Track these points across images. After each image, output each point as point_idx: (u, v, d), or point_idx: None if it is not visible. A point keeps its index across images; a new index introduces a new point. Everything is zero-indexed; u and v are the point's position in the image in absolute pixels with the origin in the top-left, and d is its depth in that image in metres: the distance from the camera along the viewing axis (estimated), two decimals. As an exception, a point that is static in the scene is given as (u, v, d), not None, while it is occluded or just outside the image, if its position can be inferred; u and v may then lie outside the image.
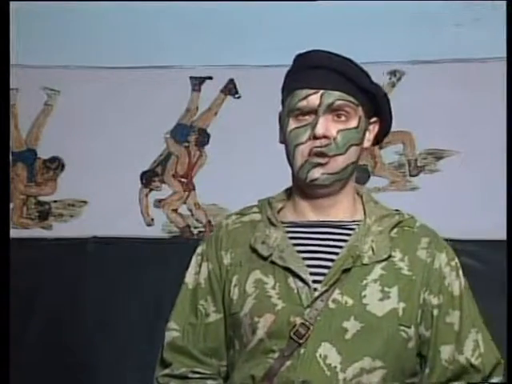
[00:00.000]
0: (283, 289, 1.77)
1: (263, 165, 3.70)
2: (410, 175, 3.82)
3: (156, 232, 3.84)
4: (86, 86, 3.87)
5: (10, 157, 3.84)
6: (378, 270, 1.78)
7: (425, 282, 1.81)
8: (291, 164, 1.85)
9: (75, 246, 3.82)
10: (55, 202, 3.91)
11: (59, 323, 3.76)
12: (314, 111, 1.80)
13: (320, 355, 1.72)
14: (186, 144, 3.87)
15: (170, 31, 3.84)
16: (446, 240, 3.75)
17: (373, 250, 1.80)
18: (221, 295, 1.84)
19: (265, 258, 1.81)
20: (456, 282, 1.87)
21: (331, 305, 1.75)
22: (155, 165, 3.89)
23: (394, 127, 4.03)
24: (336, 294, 1.75)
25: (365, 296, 1.76)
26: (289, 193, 1.91)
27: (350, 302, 1.75)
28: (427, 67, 3.79)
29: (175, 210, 3.86)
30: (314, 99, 1.80)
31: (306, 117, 1.81)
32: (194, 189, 3.88)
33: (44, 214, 3.91)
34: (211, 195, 3.81)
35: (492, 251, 3.58)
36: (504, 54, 2.80)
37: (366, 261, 1.79)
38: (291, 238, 1.82)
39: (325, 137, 1.79)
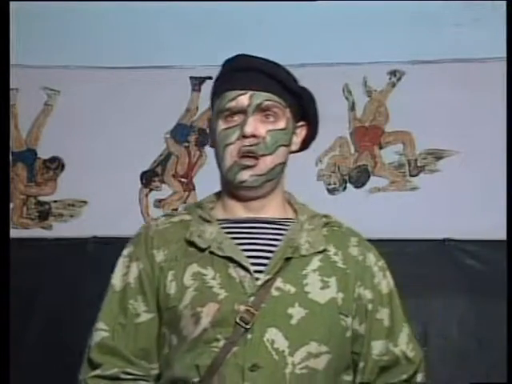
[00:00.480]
0: (224, 279, 1.77)
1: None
2: (410, 175, 3.82)
3: (156, 232, 3.84)
4: (86, 85, 3.87)
5: (10, 157, 3.84)
6: (315, 262, 1.81)
7: (359, 276, 1.85)
8: (220, 166, 1.88)
9: (75, 246, 3.82)
10: (55, 202, 3.91)
11: (59, 323, 3.76)
12: (243, 111, 1.82)
13: (267, 340, 1.73)
14: (186, 144, 3.87)
15: (170, 31, 3.84)
16: (446, 240, 3.77)
17: (309, 243, 1.83)
18: (152, 295, 1.82)
19: (203, 250, 1.80)
20: (383, 282, 1.89)
21: (274, 292, 1.76)
22: (155, 165, 3.89)
23: (394, 127, 4.06)
24: (279, 283, 1.77)
25: (306, 284, 1.78)
26: (217, 196, 1.94)
27: (293, 290, 1.77)
28: (427, 67, 3.79)
29: (175, 210, 3.86)
30: (243, 100, 1.82)
31: (235, 117, 1.83)
32: (193, 189, 3.88)
33: (44, 214, 3.91)
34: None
35: (492, 251, 3.58)
36: (504, 54, 2.80)
37: (304, 252, 1.81)
38: (227, 232, 1.83)
39: (254, 136, 1.81)
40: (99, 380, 1.80)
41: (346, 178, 3.85)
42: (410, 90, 3.80)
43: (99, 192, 3.83)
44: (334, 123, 3.84)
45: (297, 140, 1.93)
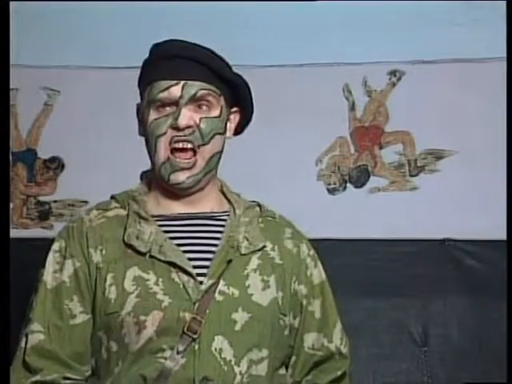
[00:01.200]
0: (167, 284, 1.71)
1: (263, 164, 3.70)
2: (410, 175, 3.82)
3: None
4: (86, 85, 3.87)
5: (10, 157, 3.84)
6: (255, 260, 1.78)
7: (294, 271, 1.82)
8: (151, 157, 1.82)
9: (75, 245, 3.82)
10: (55, 202, 3.91)
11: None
12: (175, 102, 1.77)
13: (215, 349, 1.68)
14: (186, 144, 3.87)
15: (169, 31, 3.82)
16: (446, 240, 3.77)
17: (248, 240, 1.78)
18: (90, 295, 1.74)
19: (143, 254, 1.73)
20: (315, 272, 1.86)
21: (218, 297, 1.71)
22: (155, 165, 3.89)
23: (394, 127, 4.05)
24: (222, 286, 1.72)
25: (249, 286, 1.74)
26: (148, 184, 1.87)
27: (236, 292, 1.73)
28: (427, 67, 3.79)
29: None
30: (176, 90, 1.77)
31: (167, 108, 1.78)
32: (193, 189, 3.88)
33: (44, 214, 3.91)
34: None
35: (492, 251, 3.58)
36: (504, 54, 2.79)
37: (243, 251, 1.77)
38: (165, 231, 1.77)
39: (188, 127, 1.76)
40: None
41: (346, 177, 3.85)
42: (410, 89, 3.80)
43: (99, 192, 3.80)
44: (334, 123, 3.84)
45: (231, 126, 1.88)
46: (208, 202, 1.84)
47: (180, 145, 1.78)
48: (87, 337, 1.75)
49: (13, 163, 3.89)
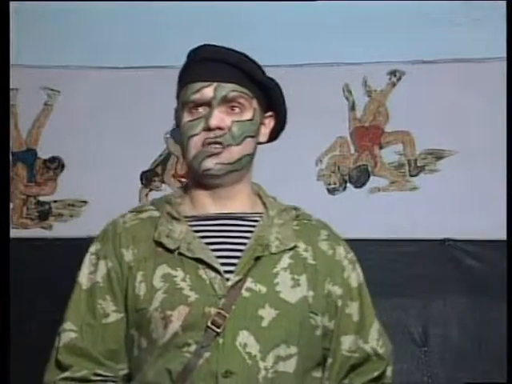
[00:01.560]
0: (194, 280, 1.73)
1: (263, 164, 3.70)
2: (410, 175, 3.82)
3: (156, 232, 3.84)
4: (86, 85, 3.87)
5: (10, 157, 3.84)
6: (286, 259, 1.78)
7: (328, 272, 1.82)
8: (185, 157, 1.84)
9: (75, 246, 3.81)
10: (55, 202, 3.91)
11: (59, 323, 3.76)
12: (207, 103, 1.79)
13: (240, 344, 1.70)
14: (186, 144, 3.87)
15: (169, 31, 3.84)
16: (446, 240, 3.77)
17: (279, 240, 1.80)
18: (122, 294, 1.78)
19: (171, 251, 1.77)
20: (353, 275, 1.86)
21: (245, 293, 1.73)
22: (155, 165, 3.89)
23: (394, 127, 4.05)
24: (249, 283, 1.74)
25: (277, 284, 1.75)
26: (185, 188, 1.89)
27: (264, 289, 1.74)
28: (427, 67, 3.79)
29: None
30: (208, 92, 1.79)
31: (200, 109, 1.79)
32: (193, 189, 3.88)
33: (44, 214, 3.91)
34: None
35: (492, 251, 3.58)
36: (504, 54, 2.80)
37: (274, 250, 1.78)
38: (195, 231, 1.79)
39: (219, 128, 1.78)
40: (69, 382, 1.78)
41: (346, 178, 3.85)
42: (410, 89, 3.80)
43: (99, 192, 3.83)
44: (334, 123, 3.85)
45: (265, 131, 1.88)
46: (240, 203, 1.85)
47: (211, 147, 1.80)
48: (121, 335, 1.78)
49: (13, 163, 3.89)
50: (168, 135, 3.86)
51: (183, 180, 3.89)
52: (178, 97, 1.87)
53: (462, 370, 3.59)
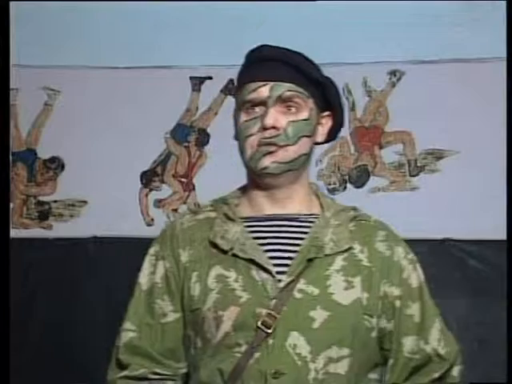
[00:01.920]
0: (247, 281, 1.75)
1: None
2: (410, 175, 3.82)
3: (156, 232, 3.79)
4: (86, 85, 3.87)
5: (10, 157, 3.84)
6: (339, 261, 1.78)
7: (385, 274, 1.81)
8: (242, 157, 1.84)
9: (75, 245, 3.82)
10: (55, 201, 3.91)
11: (59, 323, 3.76)
12: (263, 103, 1.79)
13: (290, 345, 1.71)
14: (186, 144, 3.87)
15: (169, 31, 3.84)
16: (446, 240, 3.77)
17: (334, 241, 1.79)
18: (179, 294, 1.81)
19: (225, 252, 1.78)
20: (413, 275, 1.85)
21: (297, 295, 1.73)
22: (155, 165, 3.89)
23: (394, 127, 4.05)
24: (301, 284, 1.74)
25: (330, 285, 1.75)
26: (243, 190, 1.91)
27: (316, 291, 1.74)
28: (427, 67, 3.79)
29: (175, 210, 3.86)
30: (264, 91, 1.79)
31: (257, 109, 1.80)
32: (193, 189, 3.88)
33: (44, 214, 3.91)
34: (211, 195, 3.80)
35: (492, 251, 3.58)
36: (504, 54, 2.80)
37: (328, 251, 1.78)
38: (250, 231, 1.81)
39: (274, 128, 1.78)
40: (127, 380, 1.81)
41: (346, 177, 3.86)
42: (410, 89, 3.80)
43: (99, 192, 3.83)
44: (334, 123, 3.84)
45: (322, 131, 1.88)
46: (296, 202, 1.85)
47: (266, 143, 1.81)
48: (179, 335, 1.81)
49: (13, 163, 3.89)
50: (168, 135, 3.86)
51: (183, 180, 3.89)
52: (235, 98, 1.87)
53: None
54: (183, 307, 1.80)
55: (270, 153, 1.79)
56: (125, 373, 1.81)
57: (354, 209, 1.91)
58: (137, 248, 3.81)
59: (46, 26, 3.88)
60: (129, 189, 3.84)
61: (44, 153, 3.93)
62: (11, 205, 3.86)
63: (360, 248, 1.82)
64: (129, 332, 1.82)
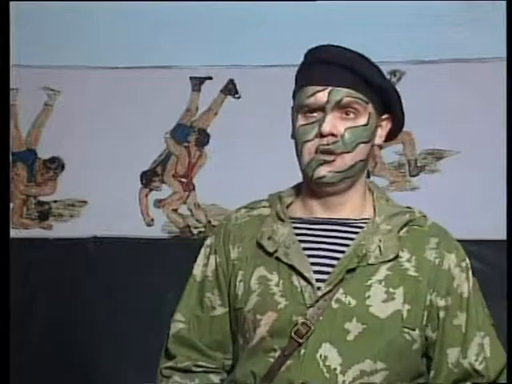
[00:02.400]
0: (287, 286, 1.74)
1: (263, 165, 3.70)
2: (410, 175, 3.82)
3: (156, 232, 3.84)
4: (85, 85, 3.87)
5: (10, 157, 3.84)
6: (383, 271, 1.75)
7: (432, 283, 1.78)
8: (299, 160, 1.82)
9: (75, 245, 3.82)
10: (55, 202, 3.91)
11: (59, 323, 3.76)
12: (321, 108, 1.77)
13: (320, 356, 1.69)
14: (186, 144, 3.87)
15: (169, 31, 3.84)
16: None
17: (380, 250, 1.76)
18: (227, 289, 1.82)
19: (270, 254, 1.78)
20: (465, 284, 1.82)
21: (334, 305, 1.72)
22: (155, 165, 3.89)
23: (394, 127, 4.02)
24: (339, 294, 1.73)
25: (368, 297, 1.73)
26: (298, 188, 1.89)
27: (353, 302, 1.72)
28: (427, 67, 3.79)
29: (175, 210, 3.86)
30: (322, 96, 1.76)
31: (314, 114, 1.78)
32: (193, 189, 3.88)
33: (44, 214, 3.91)
34: (211, 195, 3.81)
35: (492, 251, 3.58)
36: (504, 54, 2.79)
37: (372, 261, 1.75)
38: (298, 234, 1.80)
39: (332, 135, 1.76)
40: (172, 371, 1.84)
41: (346, 178, 3.85)
42: (410, 90, 3.79)
43: (99, 192, 3.83)
44: (333, 123, 3.84)
45: (382, 133, 1.86)
46: (347, 208, 1.83)
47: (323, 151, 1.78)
48: (226, 328, 1.83)
49: (13, 163, 3.89)
50: (168, 135, 3.86)
51: (183, 180, 3.89)
52: (293, 97, 1.85)
53: (462, 370, 3.59)
54: (229, 303, 1.82)
55: (327, 162, 1.76)
56: (170, 363, 1.84)
57: (410, 211, 1.87)
58: (137, 248, 3.84)
59: (46, 26, 3.88)
60: (129, 189, 3.84)
61: (44, 153, 3.93)
62: (11, 205, 3.86)
63: (408, 256, 1.78)
64: (179, 323, 1.85)
